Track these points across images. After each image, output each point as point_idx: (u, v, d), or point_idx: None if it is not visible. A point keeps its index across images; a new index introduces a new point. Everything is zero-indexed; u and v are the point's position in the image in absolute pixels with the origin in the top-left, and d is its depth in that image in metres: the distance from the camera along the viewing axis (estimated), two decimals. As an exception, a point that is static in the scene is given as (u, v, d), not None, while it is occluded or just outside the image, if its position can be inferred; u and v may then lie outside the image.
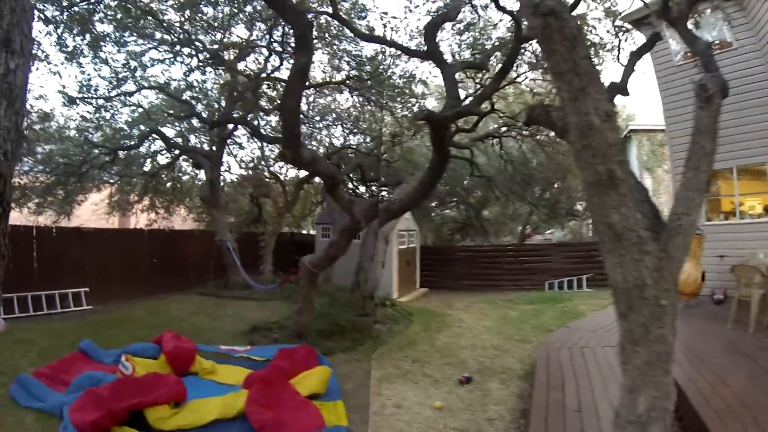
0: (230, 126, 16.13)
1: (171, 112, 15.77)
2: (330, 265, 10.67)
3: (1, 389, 7.70)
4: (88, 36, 11.64)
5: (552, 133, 16.17)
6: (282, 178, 19.70)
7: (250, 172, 19.74)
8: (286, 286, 13.64)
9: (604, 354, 8.12)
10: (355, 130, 18.37)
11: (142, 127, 15.80)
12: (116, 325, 11.73)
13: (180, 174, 19.42)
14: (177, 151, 17.33)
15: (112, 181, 17.42)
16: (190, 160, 17.90)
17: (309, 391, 7.23)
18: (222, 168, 17.50)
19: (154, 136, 16.19)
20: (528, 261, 19.55)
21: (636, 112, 23.49)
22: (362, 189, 20.34)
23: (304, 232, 25.48)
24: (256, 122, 15.91)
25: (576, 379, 7.03)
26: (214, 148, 16.89)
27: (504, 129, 16.91)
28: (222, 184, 19.67)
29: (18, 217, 14.08)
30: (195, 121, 17.40)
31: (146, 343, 8.90)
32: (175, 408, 6.80)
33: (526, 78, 14.81)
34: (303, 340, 10.02)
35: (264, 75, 14.25)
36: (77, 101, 13.13)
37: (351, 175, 18.09)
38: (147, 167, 17.92)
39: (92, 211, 17.49)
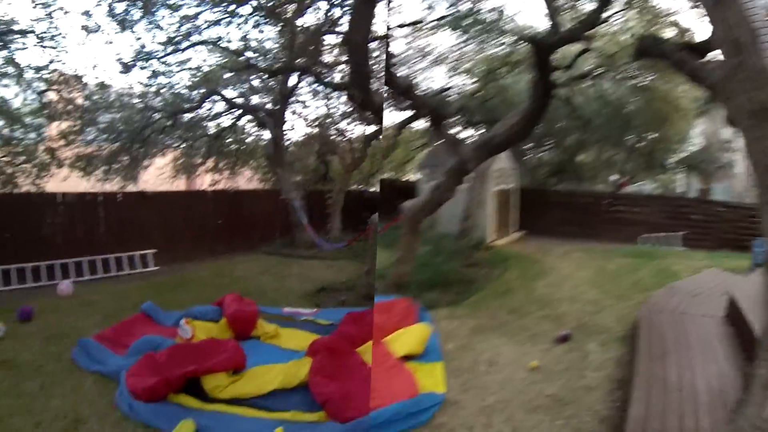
0: (291, 82, 15.41)
1: (230, 69, 15.29)
2: (434, 211, 9.97)
3: (65, 352, 7.58)
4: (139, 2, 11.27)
5: (651, 77, 15.13)
6: (349, 135, 19.01)
7: (316, 130, 19.15)
8: (355, 245, 13.03)
9: (704, 324, 7.23)
10: (455, 72, 17.37)
11: (203, 91, 15.31)
12: (180, 286, 11.51)
13: (243, 135, 18.95)
14: (239, 112, 16.82)
15: (175, 145, 17.17)
16: (254, 120, 17.40)
17: (405, 350, 6.64)
18: (286, 127, 16.98)
19: (215, 97, 15.76)
20: (623, 212, 18.42)
21: None
22: (467, 133, 19.14)
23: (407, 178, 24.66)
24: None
25: (677, 350, 6.20)
26: (276, 106, 16.29)
27: (600, 70, 15.65)
28: (287, 143, 19.25)
29: (85, 185, 14.09)
30: (256, 82, 16.89)
31: (208, 306, 8.46)
32: (234, 375, 6.30)
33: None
34: (403, 291, 9.42)
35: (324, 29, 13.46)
36: (132, 68, 12.79)
37: (455, 119, 17.26)
38: (210, 130, 17.56)
39: (157, 176, 17.36)
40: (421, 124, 19.79)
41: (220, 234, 15.70)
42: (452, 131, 8.98)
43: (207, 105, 16.46)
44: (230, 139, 18.26)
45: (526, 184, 21.50)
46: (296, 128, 26.91)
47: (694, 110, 17.17)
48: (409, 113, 17.01)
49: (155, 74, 13.67)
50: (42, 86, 12.53)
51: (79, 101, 13.72)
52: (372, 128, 16.96)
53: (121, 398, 6.01)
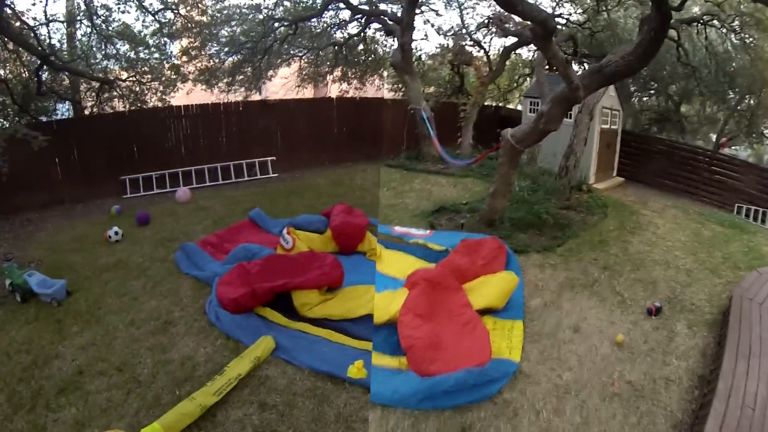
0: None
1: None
2: (537, 142, 8.56)
3: (171, 255, 7.52)
4: None
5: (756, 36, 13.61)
6: (485, 45, 17.33)
7: (450, 40, 17.72)
8: (484, 162, 11.85)
9: None
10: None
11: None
12: (295, 193, 11.11)
13: (372, 44, 17.93)
14: (365, 19, 15.70)
15: (301, 54, 16.58)
16: (381, 28, 16.26)
17: (485, 303, 5.59)
18: (418, 36, 15.86)
19: (341, 5, 14.79)
20: (721, 174, 16.08)
21: None
22: (576, 67, 17.20)
23: (510, 106, 22.81)
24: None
25: (762, 351, 5.10)
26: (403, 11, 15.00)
27: (709, 17, 13.87)
28: (419, 52, 18.13)
29: (208, 97, 14.08)
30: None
31: (314, 215, 7.88)
32: (327, 293, 5.62)
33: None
34: (493, 229, 8.32)
35: None
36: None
37: (563, 49, 15.42)
38: (338, 37, 16.75)
39: (281, 85, 16.97)
40: (526, 51, 18.26)
41: (343, 143, 15.17)
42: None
43: (332, 12, 15.84)
44: (360, 48, 17.44)
45: (628, 128, 19.79)
46: (429, 38, 25.60)
47: None
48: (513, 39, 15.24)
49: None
50: (158, 5, 12.39)
51: (198, 17, 13.55)
52: (511, 40, 15.29)
53: (210, 306, 5.71)
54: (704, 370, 5.18)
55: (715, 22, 13.97)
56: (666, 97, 19.69)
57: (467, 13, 16.81)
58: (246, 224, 8.45)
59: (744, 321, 5.59)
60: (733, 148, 23.08)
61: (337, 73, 17.47)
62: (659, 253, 8.56)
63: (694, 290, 7.13)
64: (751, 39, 13.87)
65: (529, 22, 7.83)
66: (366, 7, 15.54)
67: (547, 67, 13.49)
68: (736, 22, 13.63)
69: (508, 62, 17.37)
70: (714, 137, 21.30)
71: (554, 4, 15.95)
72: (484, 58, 16.96)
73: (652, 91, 20.53)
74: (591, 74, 7.41)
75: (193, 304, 5.97)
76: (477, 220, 8.76)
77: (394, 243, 7.70)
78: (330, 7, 14.90)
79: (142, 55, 12.61)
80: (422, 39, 25.68)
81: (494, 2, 9.94)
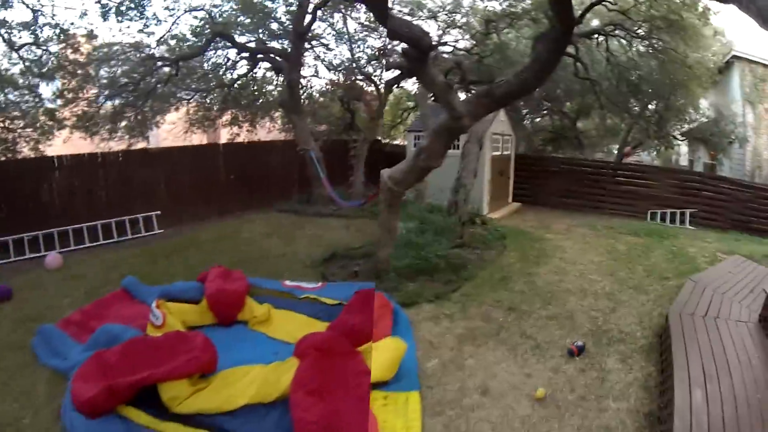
0: (307, 19, 13.61)
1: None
2: (418, 181, 8.18)
3: (31, 338, 6.44)
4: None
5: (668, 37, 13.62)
6: (375, 79, 17.20)
7: (341, 75, 17.52)
8: (375, 201, 11.51)
9: (741, 334, 5.61)
10: (450, 25, 15.71)
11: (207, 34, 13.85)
12: (176, 252, 10.25)
13: (262, 83, 17.45)
14: (247, 55, 15.06)
15: (188, 97, 15.82)
16: (271, 66, 15.78)
17: (372, 376, 4.93)
18: (309, 72, 15.62)
19: (227, 43, 14.34)
20: (629, 183, 16.75)
21: (735, 38, 19.33)
22: (462, 96, 17.27)
23: (397, 142, 22.88)
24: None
25: (718, 374, 4.63)
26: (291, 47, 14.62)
27: (611, 27, 14.04)
28: (310, 89, 17.76)
29: (88, 145, 13.03)
30: (275, 25, 15.41)
31: (189, 282, 7.03)
32: (200, 380, 4.94)
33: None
34: (380, 282, 7.80)
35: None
36: (122, 16, 11.40)
37: (449, 77, 15.50)
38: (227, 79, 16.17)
39: (168, 131, 16.14)
40: (411, 84, 18.29)
41: (232, 191, 14.44)
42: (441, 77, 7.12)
43: (219, 52, 15.41)
44: (252, 89, 17.02)
45: (522, 151, 20.24)
46: (321, 74, 25.46)
47: (709, 78, 15.47)
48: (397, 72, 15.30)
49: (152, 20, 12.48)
50: (21, 40, 11.35)
51: (73, 56, 12.48)
52: (393, 73, 15.26)
53: (65, 410, 4.78)
54: (651, 406, 4.69)
55: (618, 31, 14.04)
56: (561, 115, 19.99)
57: (357, 47, 16.49)
58: (118, 295, 7.53)
59: (689, 341, 5.22)
60: (636, 155, 24.06)
61: (227, 116, 16.88)
62: (571, 280, 8.22)
63: (619, 315, 6.78)
64: (660, 42, 13.94)
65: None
66: (252, 45, 14.99)
67: (432, 97, 13.38)
68: (643, 29, 13.74)
69: (391, 96, 17.25)
70: (616, 148, 22.03)
71: (440, 31, 15.91)
72: (375, 92, 16.74)
73: (546, 111, 20.96)
74: (478, 99, 7.00)
75: (48, 406, 5.02)
76: (371, 266, 8.28)
77: (285, 300, 7.11)
78: (213, 45, 14.27)
79: (11, 97, 11.55)
80: (313, 75, 25.33)
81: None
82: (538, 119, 22.12)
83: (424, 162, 7.24)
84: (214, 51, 15.35)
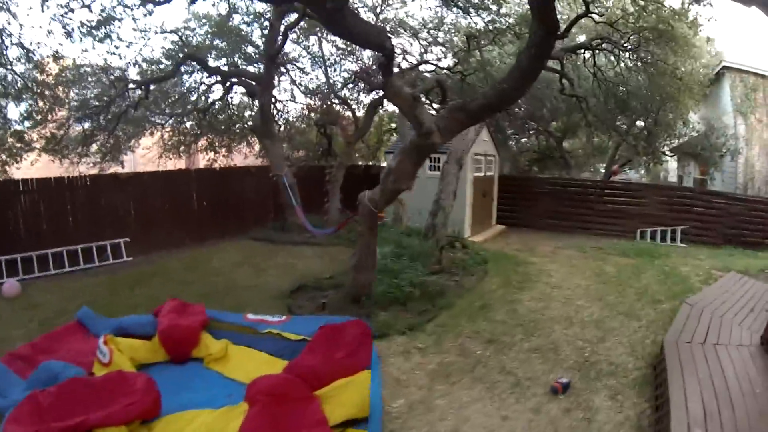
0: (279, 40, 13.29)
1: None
2: (389, 203, 7.86)
3: None
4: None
5: (658, 49, 13.32)
6: (351, 103, 16.96)
7: (317, 99, 17.27)
8: (351, 226, 11.12)
9: (743, 360, 5.23)
10: (432, 43, 15.66)
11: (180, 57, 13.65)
12: (141, 281, 9.74)
13: (240, 109, 17.26)
14: (219, 79, 14.77)
15: (162, 122, 15.65)
16: (245, 90, 15.52)
17: (345, 413, 4.59)
18: (285, 97, 15.44)
19: (198, 67, 14.18)
20: (617, 202, 16.57)
21: (726, 48, 19.42)
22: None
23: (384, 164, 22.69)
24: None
25: (720, 409, 4.21)
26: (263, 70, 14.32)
27: (598, 42, 13.69)
28: (286, 113, 17.84)
29: (57, 169, 12.79)
30: (251, 49, 15.37)
31: (143, 316, 6.63)
32: (141, 427, 4.48)
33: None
34: (359, 307, 7.45)
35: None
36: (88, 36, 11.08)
37: (429, 97, 15.39)
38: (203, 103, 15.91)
39: (142, 156, 15.81)
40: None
41: (205, 218, 13.93)
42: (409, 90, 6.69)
43: (198, 76, 15.34)
44: (228, 113, 16.91)
45: (507, 172, 20.17)
46: (297, 99, 25.41)
47: (700, 89, 15.31)
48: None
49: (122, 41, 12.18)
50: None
51: (41, 77, 12.12)
52: (377, 94, 15.04)
53: None
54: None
55: (605, 45, 13.75)
56: (546, 135, 19.87)
57: (333, 70, 16.29)
58: (71, 328, 6.99)
59: (687, 372, 4.79)
60: (623, 173, 23.91)
61: (203, 141, 16.71)
62: (557, 307, 7.83)
63: (609, 346, 6.34)
64: (650, 55, 13.65)
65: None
66: (225, 69, 14.79)
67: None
68: (631, 42, 13.40)
69: (376, 117, 17.04)
70: (603, 167, 21.87)
71: (422, 50, 15.82)
72: (350, 116, 16.53)
73: (531, 132, 20.81)
74: (451, 113, 6.63)
75: (-16, 455, 4.54)
76: (342, 296, 7.82)
77: (246, 335, 6.68)
78: (186, 69, 14.18)
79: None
80: (289, 100, 25.35)
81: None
82: (524, 140, 21.98)
83: (393, 184, 6.92)
84: (189, 75, 15.22)
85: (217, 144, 17.12)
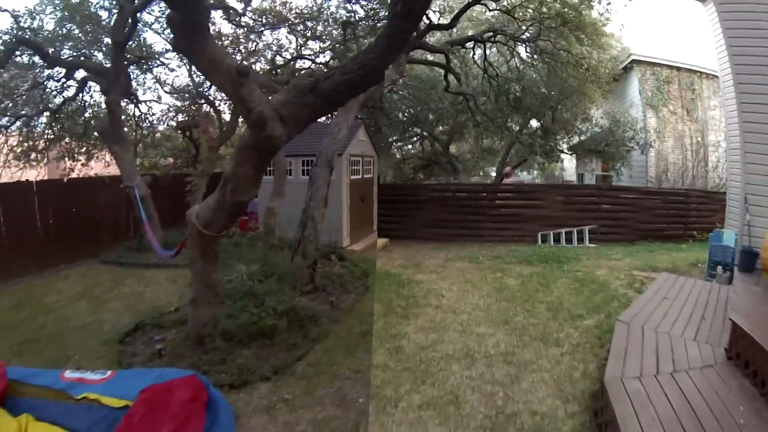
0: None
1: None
2: (233, 221, 6.28)
3: None
4: None
5: (562, 39, 12.62)
6: (219, 104, 15.50)
7: (184, 100, 15.60)
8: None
9: (712, 385, 4.27)
10: (310, 37, 14.38)
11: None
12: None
13: (93, 108, 15.10)
14: (63, 70, 12.83)
15: (8, 124, 13.26)
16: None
17: None
18: (150, 96, 13.64)
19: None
20: (513, 205, 15.94)
21: (633, 42, 19.56)
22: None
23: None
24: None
25: None
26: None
27: (489, 34, 13.13)
28: (151, 116, 15.99)
29: None
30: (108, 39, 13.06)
31: None
32: None
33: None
34: (204, 350, 6.00)
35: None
36: None
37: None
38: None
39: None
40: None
41: (51, 239, 11.84)
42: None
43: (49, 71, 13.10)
44: (87, 115, 14.75)
45: (389, 180, 19.56)
46: (163, 99, 23.66)
47: (608, 79, 15.33)
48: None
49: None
50: None
51: None
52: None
53: None
54: None
55: (499, 37, 12.99)
56: (432, 139, 19.01)
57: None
58: None
59: (646, 421, 3.64)
60: (515, 175, 23.55)
61: (60, 148, 14.70)
62: (453, 338, 6.44)
63: (526, 387, 5.03)
64: (550, 45, 12.90)
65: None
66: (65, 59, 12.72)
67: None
68: (529, 32, 12.72)
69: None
70: (494, 170, 21.37)
71: (301, 44, 14.67)
72: (214, 117, 15.14)
73: (415, 138, 20.01)
74: (300, 96, 5.06)
75: None
76: (183, 338, 6.36)
77: (56, 403, 5.23)
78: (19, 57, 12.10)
79: None
80: (154, 101, 23.50)
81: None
82: (408, 146, 21.11)
83: (231, 195, 5.42)
84: (40, 70, 13.10)
85: (76, 151, 15.05)
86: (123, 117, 13.22)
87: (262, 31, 14.14)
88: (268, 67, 14.51)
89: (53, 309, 8.40)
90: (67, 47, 12.93)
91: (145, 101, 14.92)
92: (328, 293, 8.25)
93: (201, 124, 13.62)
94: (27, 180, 11.94)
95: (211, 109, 15.32)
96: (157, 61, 14.70)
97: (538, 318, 7.06)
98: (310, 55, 14.86)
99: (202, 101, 15.12)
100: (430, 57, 14.77)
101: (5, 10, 11.29)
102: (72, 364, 5.99)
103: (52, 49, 12.15)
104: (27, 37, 11.51)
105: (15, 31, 11.48)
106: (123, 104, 13.77)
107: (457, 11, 12.24)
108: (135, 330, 6.97)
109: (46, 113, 13.76)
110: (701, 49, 15.61)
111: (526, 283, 8.86)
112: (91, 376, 5.39)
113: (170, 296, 8.59)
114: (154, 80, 15.16)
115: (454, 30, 14.45)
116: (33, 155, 14.23)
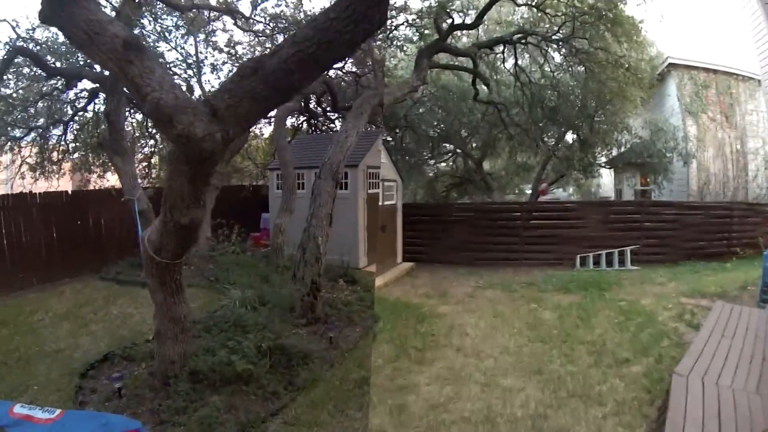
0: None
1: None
2: (186, 245, 5.02)
3: None
4: None
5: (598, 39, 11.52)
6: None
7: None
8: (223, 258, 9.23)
9: None
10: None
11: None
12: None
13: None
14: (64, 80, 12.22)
15: (19, 135, 13.07)
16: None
17: None
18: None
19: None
20: (549, 225, 14.34)
21: (667, 45, 18.22)
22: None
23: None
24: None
25: None
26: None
27: (519, 35, 12.07)
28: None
29: None
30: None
31: None
32: None
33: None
34: (167, 395, 5.19)
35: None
36: None
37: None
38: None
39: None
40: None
41: (56, 253, 11.52)
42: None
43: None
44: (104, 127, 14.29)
45: (420, 199, 18.47)
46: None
47: (650, 83, 14.08)
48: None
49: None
50: None
51: None
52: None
53: None
54: None
55: (530, 39, 12.04)
56: (464, 156, 17.99)
57: (212, 71, 14.46)
58: None
59: None
60: (551, 192, 22.25)
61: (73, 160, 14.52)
62: (473, 394, 5.32)
63: None
64: (587, 45, 11.89)
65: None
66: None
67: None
68: (561, 32, 11.67)
69: (258, 130, 15.18)
70: (529, 187, 20.24)
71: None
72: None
73: (447, 155, 19.04)
74: (239, 81, 3.78)
75: None
76: (146, 376, 5.58)
77: None
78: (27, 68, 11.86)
79: None
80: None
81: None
82: (442, 164, 20.09)
83: (171, 216, 4.44)
84: (46, 80, 12.77)
85: (92, 163, 14.71)
86: (133, 127, 12.79)
87: (275, 36, 13.61)
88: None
89: (35, 329, 7.88)
90: (73, 59, 12.51)
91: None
92: (329, 326, 7.24)
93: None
94: (30, 192, 11.58)
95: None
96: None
97: (577, 364, 5.97)
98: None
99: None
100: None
101: (4, 20, 10.99)
102: (28, 396, 5.46)
103: (54, 60, 11.79)
104: (24, 46, 11.12)
105: (12, 41, 11.17)
106: (133, 114, 13.43)
107: (481, 8, 11.38)
108: (103, 361, 6.27)
109: (59, 125, 13.43)
110: (735, 49, 14.32)
111: (563, 317, 7.79)
112: (39, 414, 4.74)
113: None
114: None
115: (481, 33, 13.57)
116: (48, 166, 13.97)
